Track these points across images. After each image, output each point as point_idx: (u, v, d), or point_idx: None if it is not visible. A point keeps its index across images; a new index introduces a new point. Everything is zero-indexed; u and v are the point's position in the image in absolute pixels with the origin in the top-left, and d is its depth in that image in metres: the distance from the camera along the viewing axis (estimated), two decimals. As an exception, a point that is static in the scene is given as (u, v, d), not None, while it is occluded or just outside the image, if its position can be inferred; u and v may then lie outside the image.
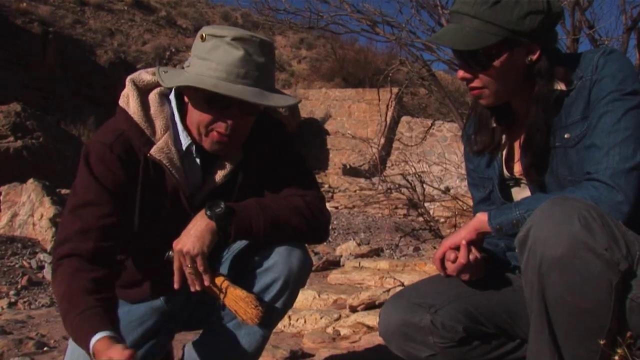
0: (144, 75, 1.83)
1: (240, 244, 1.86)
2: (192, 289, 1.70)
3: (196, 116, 1.73)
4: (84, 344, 1.55)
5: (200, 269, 1.68)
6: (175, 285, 1.71)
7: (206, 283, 1.70)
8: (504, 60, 1.60)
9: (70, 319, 1.60)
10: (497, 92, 1.65)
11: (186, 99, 1.77)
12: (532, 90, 1.64)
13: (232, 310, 1.70)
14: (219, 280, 1.71)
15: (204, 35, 1.69)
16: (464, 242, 1.63)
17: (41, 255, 6.56)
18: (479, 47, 1.58)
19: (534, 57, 1.61)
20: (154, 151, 1.75)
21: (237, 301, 1.69)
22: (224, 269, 1.87)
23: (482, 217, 1.61)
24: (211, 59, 1.65)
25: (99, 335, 1.52)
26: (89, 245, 1.68)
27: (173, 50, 19.50)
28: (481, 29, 1.57)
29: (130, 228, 1.78)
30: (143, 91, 1.81)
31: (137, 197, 1.77)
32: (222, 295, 1.71)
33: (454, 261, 1.64)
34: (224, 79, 1.64)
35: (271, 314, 1.80)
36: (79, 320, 1.58)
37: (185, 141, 1.80)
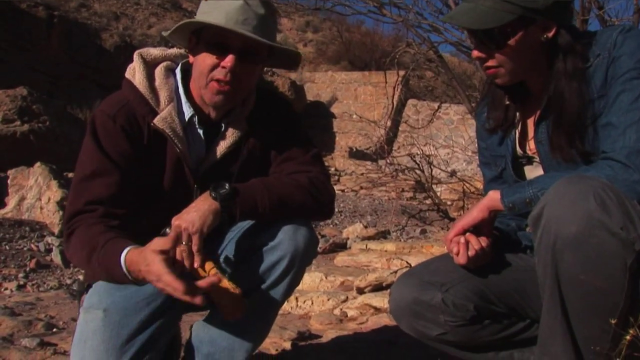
0: (152, 50, 1.89)
1: (245, 223, 1.85)
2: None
3: (198, 67, 1.78)
4: (115, 268, 1.60)
5: (194, 248, 1.65)
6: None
7: (196, 265, 1.65)
8: (519, 38, 1.58)
9: (95, 259, 1.65)
10: (513, 70, 1.63)
11: (191, 60, 1.82)
12: (548, 68, 1.62)
13: (214, 299, 1.66)
14: (208, 265, 1.67)
15: None
16: (462, 240, 1.64)
17: (49, 239, 6.59)
18: (493, 26, 1.55)
19: (550, 34, 1.58)
20: (157, 120, 1.78)
21: (221, 292, 1.63)
22: (229, 248, 1.86)
23: (494, 196, 1.59)
24: (212, 11, 1.73)
25: (126, 250, 1.59)
26: (99, 211, 1.72)
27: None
28: (496, 7, 1.55)
29: (137, 198, 1.79)
30: (150, 65, 1.86)
31: (140, 167, 1.79)
32: None
33: (457, 253, 1.64)
34: (222, 24, 1.70)
35: (278, 293, 1.80)
36: (103, 252, 1.63)
37: (188, 112, 1.84)
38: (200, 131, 1.86)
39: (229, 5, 1.72)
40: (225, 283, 1.64)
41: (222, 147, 1.85)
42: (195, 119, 1.84)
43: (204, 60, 1.76)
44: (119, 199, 1.74)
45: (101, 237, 1.65)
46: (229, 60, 1.73)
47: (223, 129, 1.87)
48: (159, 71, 1.85)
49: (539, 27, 1.58)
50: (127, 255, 1.59)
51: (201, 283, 1.54)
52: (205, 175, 1.83)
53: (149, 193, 1.81)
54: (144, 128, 1.80)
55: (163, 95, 1.82)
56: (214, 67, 1.75)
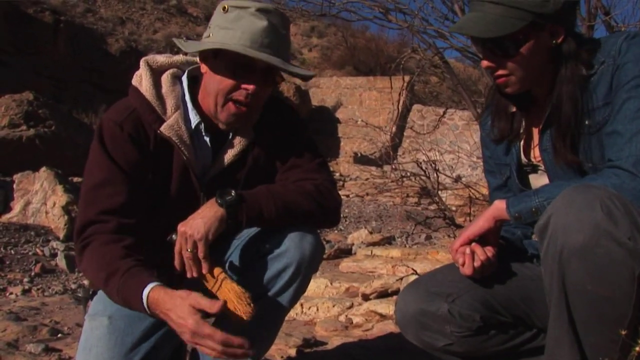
0: (158, 57, 1.89)
1: (251, 230, 1.85)
2: (188, 275, 1.69)
3: (215, 84, 1.76)
4: (135, 299, 1.60)
5: (200, 255, 1.66)
6: (176, 267, 1.70)
7: (204, 271, 1.68)
8: (530, 45, 1.56)
9: (113, 283, 1.64)
10: (524, 78, 1.61)
11: (203, 69, 1.80)
12: (554, 74, 1.61)
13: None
14: (216, 271, 1.68)
15: (226, 7, 1.72)
16: (468, 251, 1.63)
17: (54, 243, 6.60)
18: (505, 34, 1.54)
19: (559, 40, 1.57)
20: (164, 128, 1.78)
21: (230, 296, 1.64)
22: (235, 255, 1.87)
23: (500, 205, 1.58)
24: (235, 28, 1.69)
25: (150, 286, 1.57)
26: (111, 225, 1.71)
27: (184, 38, 19.47)
28: (506, 14, 1.53)
29: (146, 206, 1.79)
30: (156, 72, 1.86)
31: (147, 174, 1.80)
32: (216, 287, 1.67)
33: (463, 264, 1.64)
34: (248, 46, 1.67)
35: (284, 301, 1.80)
36: (124, 280, 1.62)
37: (194, 120, 1.83)
38: (207, 139, 1.85)
39: (254, 25, 1.69)
40: (235, 287, 1.65)
41: (229, 155, 1.85)
42: (202, 126, 1.84)
43: (222, 81, 1.74)
44: (130, 207, 1.74)
45: (121, 264, 1.64)
46: (252, 84, 1.72)
47: (230, 137, 1.86)
48: (165, 78, 1.85)
49: (547, 33, 1.57)
50: (151, 292, 1.57)
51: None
52: (212, 182, 1.83)
53: (155, 200, 1.81)
54: (150, 135, 1.80)
55: (170, 103, 1.81)
56: (234, 89, 1.74)
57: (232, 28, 1.69)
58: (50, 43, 15.39)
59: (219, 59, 1.73)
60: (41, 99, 11.55)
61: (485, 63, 1.63)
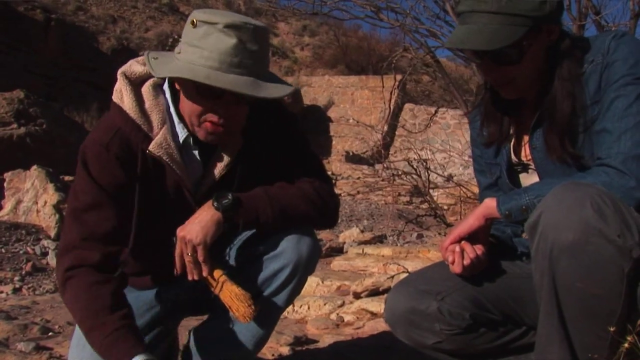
0: (135, 67, 1.77)
1: (249, 231, 1.84)
2: (190, 278, 1.69)
3: (188, 106, 1.67)
4: None
5: (200, 259, 1.66)
6: (176, 272, 1.70)
7: (204, 274, 1.68)
8: (533, 49, 1.57)
9: (96, 339, 1.63)
10: (527, 81, 1.62)
11: (177, 86, 1.71)
12: (547, 73, 1.61)
13: (226, 305, 1.69)
14: (217, 273, 1.70)
15: (194, 21, 1.60)
16: (458, 249, 1.63)
17: (45, 242, 6.58)
18: (511, 42, 1.52)
19: (554, 37, 1.58)
20: (152, 147, 1.69)
21: (232, 297, 1.67)
22: (233, 255, 1.86)
23: (490, 203, 1.58)
24: (202, 47, 1.57)
25: None
26: (96, 254, 1.67)
27: (176, 37, 19.41)
28: (507, 22, 1.52)
29: (130, 227, 1.75)
30: (136, 83, 1.75)
31: (136, 194, 1.73)
32: (218, 289, 1.70)
33: (452, 262, 1.64)
34: (216, 68, 1.56)
35: (279, 301, 1.80)
36: (108, 342, 1.61)
37: (182, 134, 1.74)
38: (196, 152, 1.77)
39: (222, 43, 1.56)
40: (235, 289, 1.68)
41: (219, 167, 1.78)
42: (191, 139, 1.75)
43: (194, 103, 1.65)
44: (114, 232, 1.69)
45: (107, 320, 1.63)
46: (223, 106, 1.63)
47: (219, 147, 1.78)
48: (147, 91, 1.74)
49: (545, 34, 1.58)
50: None
51: None
52: (206, 196, 1.74)
53: (148, 216, 1.76)
54: (139, 155, 1.71)
55: (155, 119, 1.71)
56: (205, 112, 1.65)
57: (200, 46, 1.58)
58: (42, 41, 15.34)
59: (189, 81, 1.60)
60: (32, 97, 11.52)
61: (487, 74, 1.62)
